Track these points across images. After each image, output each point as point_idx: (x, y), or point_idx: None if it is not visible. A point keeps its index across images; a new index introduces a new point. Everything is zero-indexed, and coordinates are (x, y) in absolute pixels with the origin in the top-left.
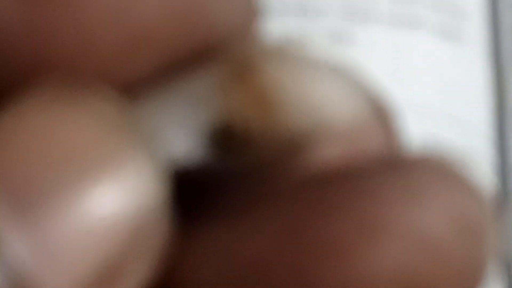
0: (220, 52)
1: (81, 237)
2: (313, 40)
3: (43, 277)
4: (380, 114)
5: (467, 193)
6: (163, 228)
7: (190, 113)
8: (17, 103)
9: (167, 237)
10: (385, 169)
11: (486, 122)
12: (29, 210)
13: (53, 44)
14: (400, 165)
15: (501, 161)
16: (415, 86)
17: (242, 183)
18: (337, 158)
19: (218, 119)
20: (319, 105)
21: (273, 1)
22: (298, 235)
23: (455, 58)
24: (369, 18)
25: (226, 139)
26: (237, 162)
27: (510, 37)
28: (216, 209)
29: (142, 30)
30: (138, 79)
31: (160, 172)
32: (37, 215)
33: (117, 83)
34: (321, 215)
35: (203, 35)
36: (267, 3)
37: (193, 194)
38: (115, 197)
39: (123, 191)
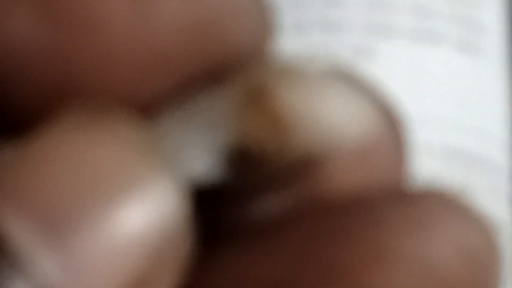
0: (236, 69)
1: (109, 256)
2: (335, 57)
3: None
4: (393, 130)
5: (474, 225)
6: (186, 243)
7: (207, 134)
8: (44, 128)
9: (190, 251)
10: (394, 200)
11: (504, 133)
12: (58, 232)
13: (78, 67)
14: (408, 197)
15: None
16: (435, 98)
17: (260, 205)
18: (350, 173)
19: (234, 141)
20: (332, 126)
21: (298, 17)
22: (310, 260)
23: (474, 71)
24: (390, 33)
25: (241, 160)
26: (251, 180)
27: None
28: (235, 232)
29: (160, 50)
30: (156, 98)
31: (181, 190)
32: (66, 237)
33: (136, 103)
34: (330, 242)
35: (219, 54)
36: (291, 19)
37: (213, 216)
38: (140, 216)
39: (147, 210)
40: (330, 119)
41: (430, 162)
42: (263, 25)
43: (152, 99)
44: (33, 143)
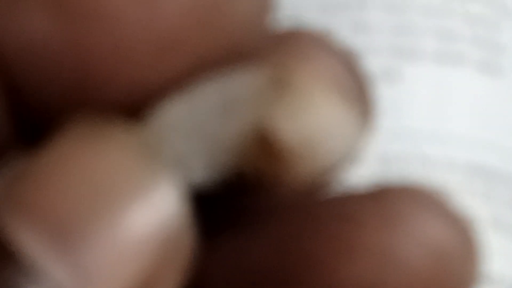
0: (240, 50)
1: (116, 261)
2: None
3: None
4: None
5: (446, 222)
6: (188, 242)
7: (209, 150)
8: (51, 141)
9: (192, 250)
10: (366, 197)
11: None
12: (67, 242)
13: (92, 58)
14: (380, 194)
15: None
16: (458, 117)
17: (252, 203)
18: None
19: (232, 163)
20: (328, 158)
21: None
22: (291, 249)
23: (495, 90)
24: (415, 56)
25: (236, 180)
26: (243, 198)
27: None
28: (231, 226)
29: (170, 38)
30: (169, 83)
31: (181, 194)
32: (75, 245)
33: (146, 90)
34: (308, 234)
35: (224, 35)
36: None
37: (212, 212)
38: (143, 221)
39: (151, 215)
40: (327, 151)
41: (453, 177)
42: (263, 4)
43: (163, 84)
44: (41, 156)
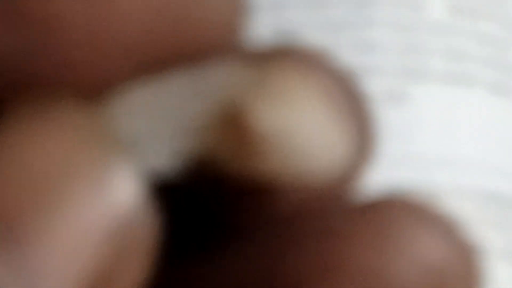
0: (208, 50)
1: (67, 256)
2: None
3: None
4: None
5: (443, 237)
6: (149, 232)
7: (174, 133)
8: None
9: (156, 239)
10: (355, 211)
11: None
12: (10, 239)
13: (39, 65)
14: (371, 208)
15: None
16: (469, 140)
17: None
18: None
19: (199, 149)
20: (304, 157)
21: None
22: (274, 265)
23: (507, 112)
24: (424, 77)
25: (201, 168)
26: (207, 188)
27: None
28: (217, 241)
29: (121, 39)
30: (122, 83)
31: (140, 180)
32: (19, 242)
33: (100, 90)
34: (291, 250)
35: (189, 36)
36: None
37: (198, 228)
38: (97, 210)
39: (105, 204)
40: (303, 149)
41: (464, 205)
42: (234, 5)
43: (116, 85)
44: None
